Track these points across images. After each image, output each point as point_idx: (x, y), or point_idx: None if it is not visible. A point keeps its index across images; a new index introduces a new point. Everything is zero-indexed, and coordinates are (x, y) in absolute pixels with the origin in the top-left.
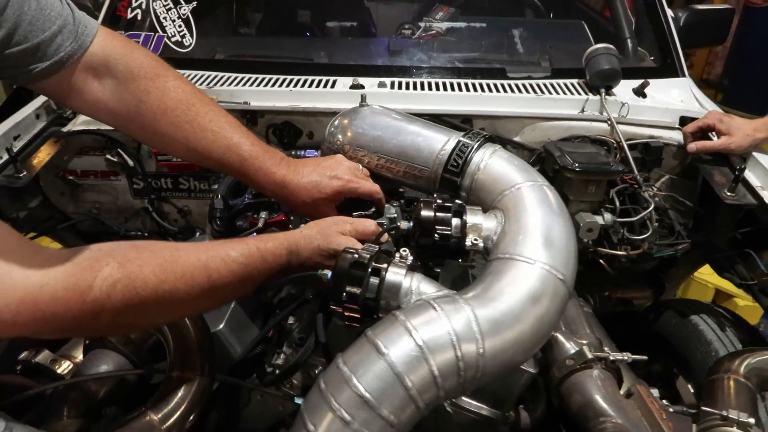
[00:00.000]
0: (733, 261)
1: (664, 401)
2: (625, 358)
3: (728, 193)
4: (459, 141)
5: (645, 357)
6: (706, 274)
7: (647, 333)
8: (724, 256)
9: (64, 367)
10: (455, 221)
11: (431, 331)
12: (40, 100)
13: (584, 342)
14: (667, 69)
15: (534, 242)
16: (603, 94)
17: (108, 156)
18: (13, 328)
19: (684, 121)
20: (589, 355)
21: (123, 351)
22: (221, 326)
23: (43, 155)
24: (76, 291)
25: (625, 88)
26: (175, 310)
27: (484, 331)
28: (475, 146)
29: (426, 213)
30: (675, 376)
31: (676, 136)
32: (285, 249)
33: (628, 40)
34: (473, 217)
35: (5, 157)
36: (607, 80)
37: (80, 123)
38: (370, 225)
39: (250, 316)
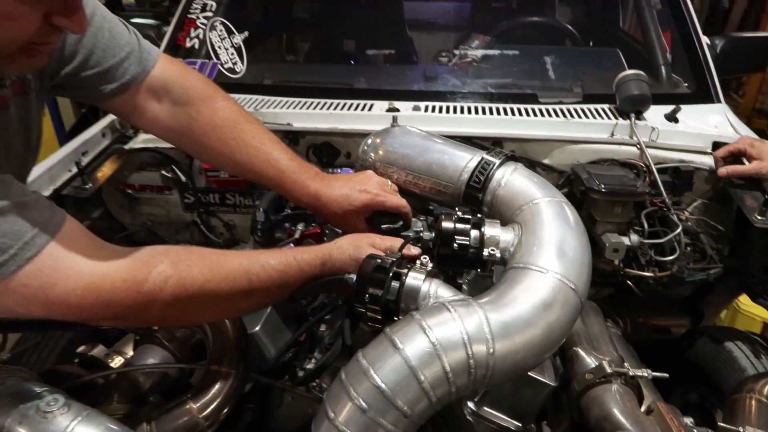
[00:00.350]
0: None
1: (687, 420)
2: (645, 374)
3: (759, 217)
4: (482, 158)
5: (666, 375)
6: (753, 306)
7: (682, 361)
8: (757, 281)
9: (116, 361)
10: (474, 233)
11: (445, 330)
12: (106, 120)
13: (605, 357)
14: (702, 95)
15: (548, 253)
16: (633, 118)
17: (163, 172)
18: (77, 311)
19: (717, 146)
20: (609, 370)
21: (168, 347)
22: (257, 328)
23: (106, 170)
24: (134, 282)
25: (656, 114)
26: (217, 309)
27: (494, 333)
28: (497, 163)
29: (446, 224)
30: (713, 406)
31: (708, 161)
32: (320, 260)
33: (662, 67)
34: (491, 230)
35: (74, 170)
36: (637, 105)
37: (140, 141)
38: (398, 242)
39: (285, 322)
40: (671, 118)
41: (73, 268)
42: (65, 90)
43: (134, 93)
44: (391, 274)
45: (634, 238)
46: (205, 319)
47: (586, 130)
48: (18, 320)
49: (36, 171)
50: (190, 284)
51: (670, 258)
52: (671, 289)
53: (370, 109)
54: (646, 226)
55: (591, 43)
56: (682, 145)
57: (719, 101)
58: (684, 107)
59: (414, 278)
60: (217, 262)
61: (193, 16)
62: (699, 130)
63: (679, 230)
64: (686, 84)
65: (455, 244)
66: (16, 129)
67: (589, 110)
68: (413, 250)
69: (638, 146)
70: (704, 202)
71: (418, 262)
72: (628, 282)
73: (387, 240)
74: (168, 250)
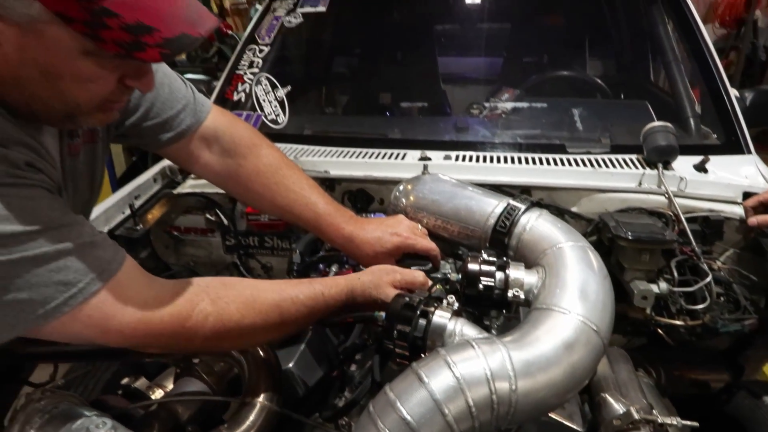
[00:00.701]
0: None
1: None
2: (674, 422)
3: None
4: (508, 204)
5: (696, 423)
6: None
7: (721, 415)
8: None
9: (157, 393)
10: (499, 274)
11: (469, 366)
12: (158, 167)
13: (633, 404)
14: (732, 146)
15: (570, 295)
16: (660, 168)
17: (207, 215)
18: (130, 341)
19: (747, 196)
20: (636, 416)
21: (207, 380)
22: (291, 364)
23: (156, 212)
24: (179, 318)
25: (685, 164)
26: (251, 340)
27: (517, 371)
28: (523, 209)
29: (472, 266)
30: None
31: (738, 211)
32: (344, 295)
33: (691, 119)
34: (516, 272)
35: (127, 212)
36: (664, 156)
37: (188, 186)
38: (418, 276)
39: (317, 360)
40: (700, 168)
41: (129, 303)
42: (128, 138)
43: (188, 141)
44: (418, 312)
45: (664, 286)
46: (240, 347)
47: (614, 179)
48: (69, 351)
49: (94, 212)
50: (227, 320)
51: (701, 306)
52: (706, 340)
53: (403, 158)
54: (675, 274)
55: (622, 96)
56: (711, 194)
57: (750, 152)
58: (714, 158)
59: (440, 316)
60: (252, 298)
61: (241, 72)
62: (729, 180)
63: (709, 279)
64: (715, 135)
65: (481, 285)
66: (83, 174)
67: (617, 160)
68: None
69: (666, 195)
70: (736, 251)
71: (444, 301)
72: (660, 331)
73: (408, 275)
74: (208, 287)
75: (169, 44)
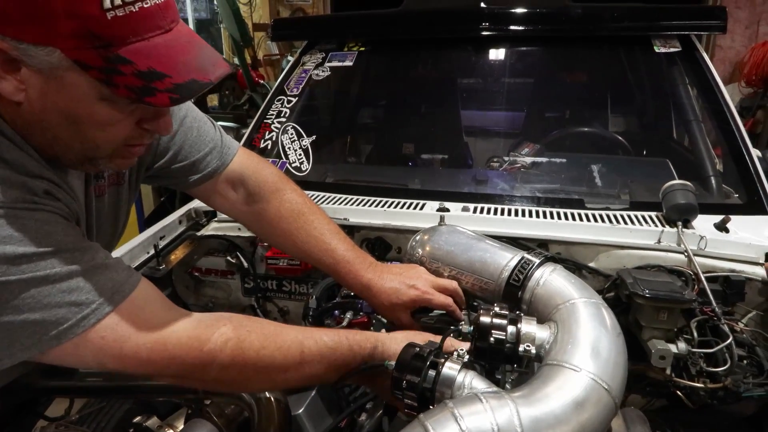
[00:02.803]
0: None
1: None
2: None
3: None
4: (522, 258)
5: None
6: None
7: None
8: None
9: None
10: (510, 328)
11: (476, 420)
12: (184, 209)
13: None
14: (754, 206)
15: (582, 352)
16: (680, 226)
17: (228, 258)
18: (145, 365)
19: None
20: None
21: (216, 422)
22: (301, 410)
23: (179, 253)
24: (198, 340)
25: (705, 223)
26: (269, 378)
27: (525, 427)
28: (537, 263)
29: (484, 318)
30: None
31: (761, 272)
32: (371, 344)
33: (712, 178)
34: (528, 326)
35: (152, 252)
36: (684, 214)
37: (211, 229)
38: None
39: (327, 408)
40: (721, 227)
41: (145, 324)
42: (158, 179)
43: (215, 182)
44: (428, 363)
45: (683, 346)
46: (256, 387)
47: (633, 235)
48: (84, 385)
49: (119, 251)
50: (247, 348)
51: (722, 369)
52: (729, 404)
53: (422, 208)
54: (695, 334)
55: (644, 153)
56: (732, 254)
57: None
58: (735, 218)
59: (450, 368)
60: (274, 332)
61: (269, 121)
62: (750, 240)
63: (730, 340)
64: (737, 195)
65: (492, 338)
66: (107, 214)
67: (636, 217)
68: (456, 343)
69: (686, 254)
70: (759, 314)
71: (455, 353)
72: (679, 393)
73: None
74: (231, 316)
75: (178, 89)
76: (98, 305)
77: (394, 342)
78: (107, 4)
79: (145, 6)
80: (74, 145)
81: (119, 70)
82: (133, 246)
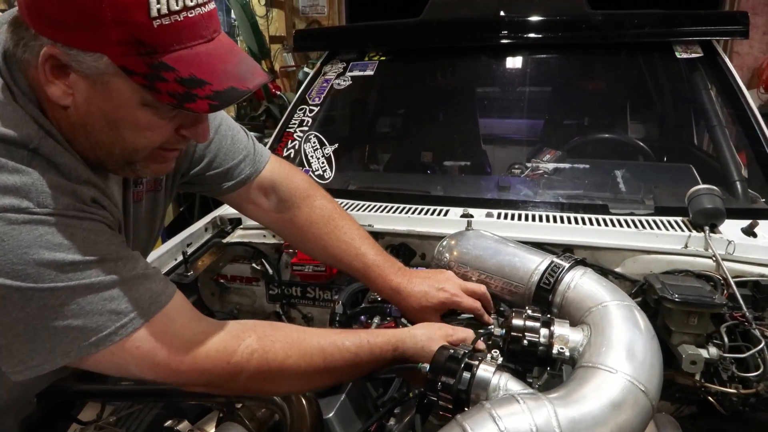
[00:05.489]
0: None
1: None
2: None
3: None
4: (552, 262)
5: None
6: None
7: None
8: None
9: None
10: (543, 331)
11: (514, 421)
12: (209, 217)
13: None
14: None
15: (617, 353)
16: (707, 231)
17: (253, 264)
18: (176, 375)
19: None
20: None
21: (248, 426)
22: (331, 414)
23: (205, 260)
24: (225, 353)
25: (733, 228)
26: (295, 383)
27: (563, 428)
28: (567, 267)
29: (517, 321)
30: None
31: None
32: (392, 345)
33: (737, 183)
34: (561, 329)
35: (179, 258)
36: (711, 219)
37: (236, 236)
38: (471, 334)
39: (357, 413)
40: (749, 232)
41: (178, 336)
42: (192, 185)
43: (247, 189)
44: (462, 365)
45: (714, 351)
46: (282, 392)
47: (659, 240)
48: (117, 389)
49: (149, 258)
50: (272, 358)
51: (754, 375)
52: (761, 411)
53: (445, 215)
54: (726, 339)
55: (664, 159)
56: (761, 259)
57: None
58: (763, 222)
59: (485, 370)
60: (298, 340)
61: (291, 130)
62: None
63: (762, 345)
64: (764, 200)
65: (525, 341)
66: (144, 220)
67: (662, 222)
68: (482, 345)
69: (714, 259)
70: None
71: (488, 355)
72: (711, 399)
73: (460, 332)
74: (255, 326)
75: (218, 96)
76: (136, 315)
77: (415, 343)
78: (154, 13)
79: (190, 16)
80: (115, 150)
81: (162, 77)
82: (161, 253)
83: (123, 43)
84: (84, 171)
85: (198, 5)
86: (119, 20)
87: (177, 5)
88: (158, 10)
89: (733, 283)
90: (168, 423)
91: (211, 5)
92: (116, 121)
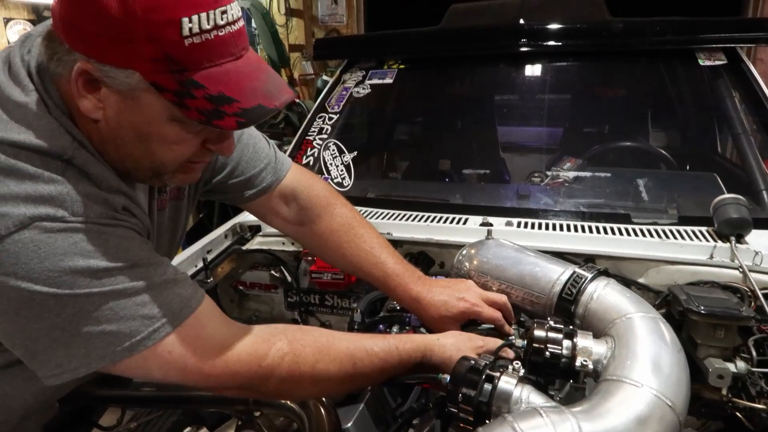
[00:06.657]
0: None
1: None
2: None
3: None
4: (574, 272)
5: None
6: None
7: None
8: None
9: None
10: (566, 342)
11: None
12: (229, 224)
13: None
14: None
15: (642, 367)
16: (733, 242)
17: (272, 272)
18: (207, 379)
19: None
20: None
21: None
22: (350, 424)
23: (225, 267)
24: (256, 356)
25: (760, 238)
26: (323, 387)
27: None
28: (590, 277)
29: (539, 332)
30: None
31: None
32: (420, 353)
33: (764, 192)
34: (584, 341)
35: (200, 265)
36: (737, 229)
37: (256, 243)
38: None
39: (375, 422)
40: None
41: (209, 340)
42: (214, 194)
43: (268, 198)
44: (483, 377)
45: (741, 365)
46: (310, 396)
47: (683, 251)
48: (138, 395)
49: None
50: (303, 362)
51: None
52: None
53: (464, 223)
54: (754, 353)
55: (687, 167)
56: None
57: None
58: None
59: (506, 382)
60: (327, 345)
61: (311, 137)
62: None
63: None
64: None
65: (547, 353)
66: (167, 227)
67: (686, 232)
68: (509, 353)
69: (741, 270)
70: None
71: (510, 367)
72: (739, 414)
73: (491, 343)
74: (286, 329)
75: (245, 114)
76: (167, 320)
77: (443, 352)
78: (186, 31)
79: (220, 34)
80: (143, 162)
81: (192, 94)
82: (182, 259)
83: (155, 60)
84: (114, 180)
85: (228, 23)
86: (152, 38)
87: (208, 24)
88: (190, 29)
89: (761, 295)
90: (187, 430)
91: (241, 23)
92: (145, 135)
